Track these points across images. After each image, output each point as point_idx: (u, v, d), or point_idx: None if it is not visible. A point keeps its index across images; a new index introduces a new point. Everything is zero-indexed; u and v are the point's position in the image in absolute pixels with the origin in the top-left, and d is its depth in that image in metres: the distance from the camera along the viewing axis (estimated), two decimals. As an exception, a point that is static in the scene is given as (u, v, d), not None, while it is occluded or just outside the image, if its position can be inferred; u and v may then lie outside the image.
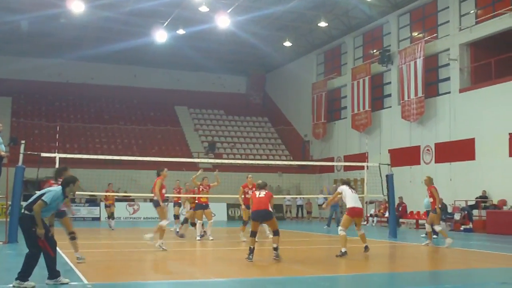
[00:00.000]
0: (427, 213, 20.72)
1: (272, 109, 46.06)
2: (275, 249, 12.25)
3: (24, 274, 8.46)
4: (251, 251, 12.06)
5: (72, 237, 11.26)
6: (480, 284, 10.16)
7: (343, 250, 12.87)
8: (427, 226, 16.76)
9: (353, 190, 13.79)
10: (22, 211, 8.68)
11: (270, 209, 12.38)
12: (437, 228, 16.38)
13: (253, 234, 12.33)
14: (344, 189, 13.73)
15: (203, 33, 35.31)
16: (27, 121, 39.01)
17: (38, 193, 8.79)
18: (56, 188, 8.80)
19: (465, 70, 27.08)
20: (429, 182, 16.49)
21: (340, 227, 13.48)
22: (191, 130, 42.56)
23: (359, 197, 13.89)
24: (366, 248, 13.68)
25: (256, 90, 47.81)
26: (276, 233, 12.38)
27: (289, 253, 13.74)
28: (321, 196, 29.54)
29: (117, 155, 29.89)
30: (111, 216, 23.54)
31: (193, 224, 18.42)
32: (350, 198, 13.48)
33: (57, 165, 16.47)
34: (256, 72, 46.93)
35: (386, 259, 14.44)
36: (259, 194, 12.54)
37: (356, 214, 13.49)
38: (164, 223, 14.08)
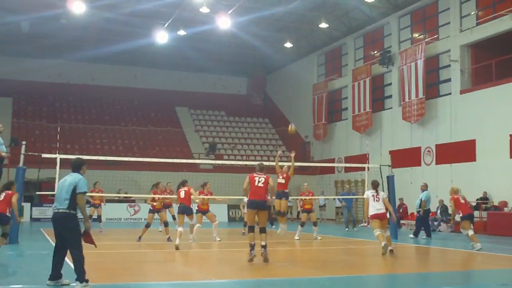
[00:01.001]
0: (418, 213, 20.86)
1: (273, 110, 46.06)
2: (263, 246, 11.90)
3: (84, 274, 8.31)
4: (252, 247, 11.87)
5: None
6: (481, 285, 10.15)
7: (382, 244, 13.65)
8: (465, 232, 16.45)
9: (376, 197, 13.99)
10: (58, 210, 8.43)
11: (268, 196, 12.25)
12: (470, 232, 16.28)
13: (251, 228, 12.13)
14: (368, 195, 14.12)
15: (204, 34, 35.32)
16: (28, 122, 39.03)
17: (65, 187, 8.49)
18: (78, 175, 8.59)
19: (466, 71, 27.07)
20: (452, 192, 16.92)
21: (374, 230, 14.05)
22: (192, 131, 42.56)
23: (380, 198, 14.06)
24: (391, 251, 13.86)
25: (256, 91, 47.81)
26: (262, 230, 12.08)
27: (292, 255, 13.73)
28: (322, 198, 29.50)
29: (118, 156, 29.94)
30: (98, 218, 22.21)
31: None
32: (371, 207, 13.93)
33: (58, 166, 16.50)
34: (257, 73, 46.93)
35: (387, 260, 14.42)
36: (258, 181, 12.23)
37: (377, 217, 13.96)
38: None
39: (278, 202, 17.02)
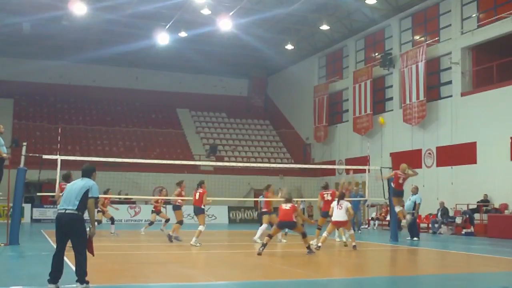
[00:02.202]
0: (412, 216, 20.93)
1: (274, 112, 46.08)
2: (308, 247, 14.03)
3: (85, 276, 8.31)
4: (264, 246, 13.70)
5: None
6: (482, 288, 10.16)
7: (318, 243, 15.26)
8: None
9: (339, 205, 15.54)
10: (65, 210, 8.40)
11: (294, 219, 14.22)
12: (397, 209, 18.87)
13: (271, 236, 14.15)
14: (334, 203, 15.76)
15: (205, 36, 35.32)
16: (29, 123, 39.05)
17: (76, 189, 8.49)
18: (90, 181, 8.63)
19: (467, 73, 27.07)
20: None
21: (328, 232, 15.61)
22: (193, 132, 42.58)
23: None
24: (354, 247, 15.38)
25: (257, 93, 47.82)
26: (304, 235, 14.18)
27: (292, 257, 13.74)
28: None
29: (119, 157, 29.93)
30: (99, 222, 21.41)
31: None
32: (334, 213, 15.62)
33: (58, 167, 16.50)
34: (258, 75, 46.95)
35: (388, 262, 14.43)
36: (286, 206, 14.29)
37: (336, 224, 15.79)
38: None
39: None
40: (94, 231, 8.68)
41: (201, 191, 16.44)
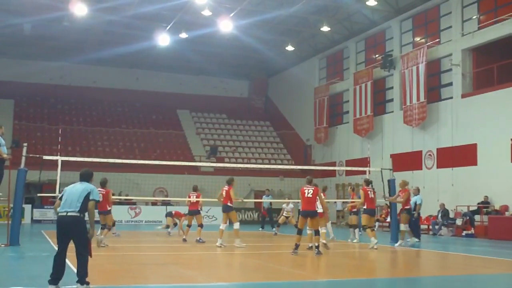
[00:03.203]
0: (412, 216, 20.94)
1: (274, 113, 46.08)
2: (317, 247, 14.02)
3: (86, 277, 8.40)
4: (296, 247, 13.91)
5: None
6: (482, 290, 10.15)
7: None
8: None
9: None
10: (67, 213, 8.47)
11: (316, 207, 14.17)
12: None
13: (300, 231, 14.13)
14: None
15: (205, 37, 35.32)
16: (29, 123, 39.06)
17: (77, 193, 8.60)
18: (90, 185, 8.81)
19: (467, 75, 27.07)
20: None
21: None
22: (193, 133, 42.58)
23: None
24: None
25: (258, 94, 47.83)
26: (316, 233, 14.12)
27: (292, 258, 13.72)
28: (340, 201, 29.61)
29: (119, 159, 29.93)
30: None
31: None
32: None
33: (59, 168, 16.52)
34: (258, 76, 46.94)
35: (388, 264, 14.42)
36: (308, 193, 13.96)
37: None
38: (237, 226, 16.51)
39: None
40: (93, 233, 8.79)
41: (226, 188, 16.54)
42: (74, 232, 8.50)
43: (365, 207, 16.78)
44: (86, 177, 8.99)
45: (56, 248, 8.65)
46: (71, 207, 8.51)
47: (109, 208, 16.58)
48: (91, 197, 8.65)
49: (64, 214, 8.52)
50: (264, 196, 27.50)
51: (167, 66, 43.10)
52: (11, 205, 16.04)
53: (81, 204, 8.52)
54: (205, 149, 40.72)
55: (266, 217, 27.15)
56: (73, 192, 8.66)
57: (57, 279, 8.47)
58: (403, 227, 18.29)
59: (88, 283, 8.35)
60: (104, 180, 16.60)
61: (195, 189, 19.06)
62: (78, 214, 8.50)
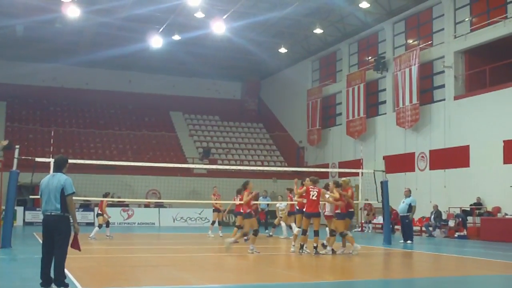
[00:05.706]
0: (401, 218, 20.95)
1: (267, 115, 46.09)
2: (315, 247, 14.42)
3: (64, 278, 8.36)
4: (302, 247, 14.37)
5: None
6: (475, 291, 10.17)
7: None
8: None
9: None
10: (51, 213, 8.46)
11: (319, 208, 14.60)
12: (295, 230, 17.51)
13: (304, 232, 14.47)
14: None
15: (198, 39, 35.31)
16: (22, 125, 38.89)
17: (52, 190, 8.51)
18: (62, 176, 8.63)
19: (460, 77, 27.16)
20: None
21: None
22: (186, 135, 42.52)
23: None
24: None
25: (251, 96, 47.83)
26: (316, 233, 14.46)
27: (286, 260, 13.73)
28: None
29: (112, 161, 29.87)
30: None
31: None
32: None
33: (51, 170, 16.44)
34: (251, 78, 46.95)
35: (381, 265, 14.44)
36: (312, 195, 14.34)
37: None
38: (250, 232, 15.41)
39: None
40: (77, 227, 8.69)
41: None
42: (57, 230, 8.48)
43: (338, 211, 15.15)
44: (59, 166, 8.78)
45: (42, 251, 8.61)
46: (52, 207, 8.49)
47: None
48: (66, 193, 8.51)
49: (49, 214, 8.54)
50: (261, 198, 27.41)
51: (160, 68, 43.03)
52: (3, 207, 15.96)
53: (60, 203, 8.47)
54: (198, 151, 40.67)
55: (262, 220, 27.01)
56: (49, 190, 8.56)
57: (49, 281, 8.45)
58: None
59: (67, 285, 8.32)
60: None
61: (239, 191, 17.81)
62: (62, 214, 8.49)
